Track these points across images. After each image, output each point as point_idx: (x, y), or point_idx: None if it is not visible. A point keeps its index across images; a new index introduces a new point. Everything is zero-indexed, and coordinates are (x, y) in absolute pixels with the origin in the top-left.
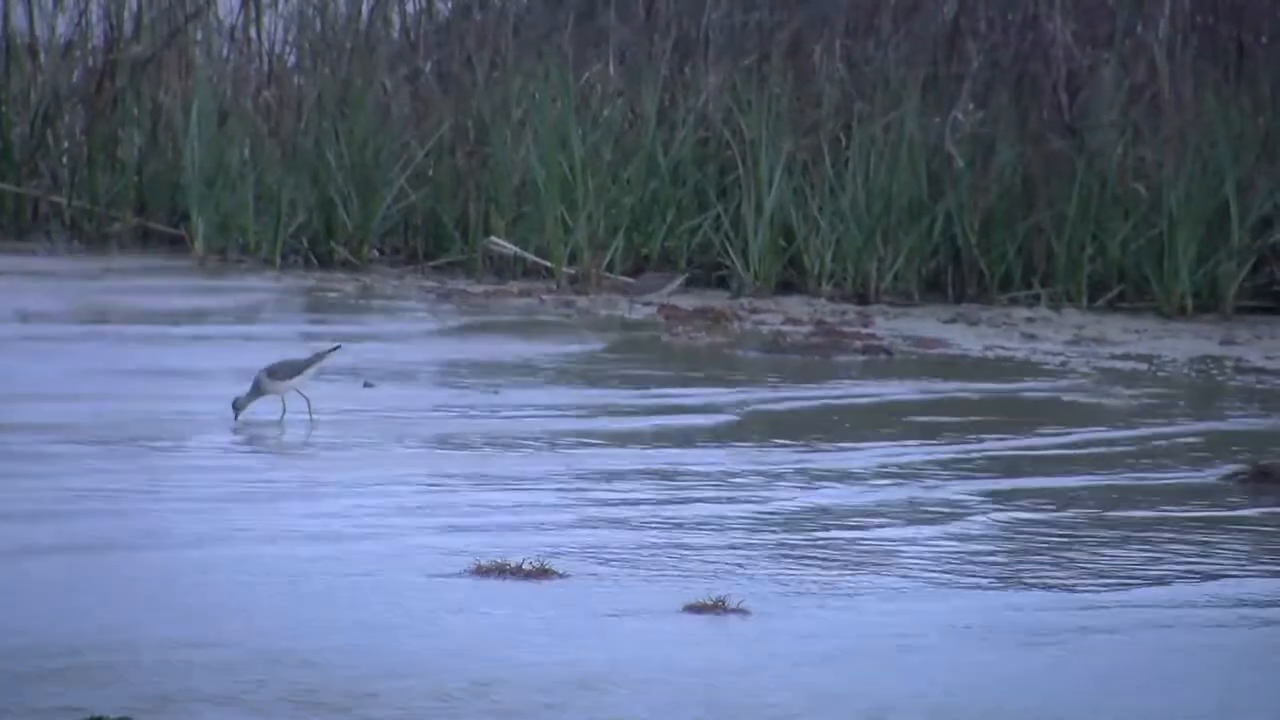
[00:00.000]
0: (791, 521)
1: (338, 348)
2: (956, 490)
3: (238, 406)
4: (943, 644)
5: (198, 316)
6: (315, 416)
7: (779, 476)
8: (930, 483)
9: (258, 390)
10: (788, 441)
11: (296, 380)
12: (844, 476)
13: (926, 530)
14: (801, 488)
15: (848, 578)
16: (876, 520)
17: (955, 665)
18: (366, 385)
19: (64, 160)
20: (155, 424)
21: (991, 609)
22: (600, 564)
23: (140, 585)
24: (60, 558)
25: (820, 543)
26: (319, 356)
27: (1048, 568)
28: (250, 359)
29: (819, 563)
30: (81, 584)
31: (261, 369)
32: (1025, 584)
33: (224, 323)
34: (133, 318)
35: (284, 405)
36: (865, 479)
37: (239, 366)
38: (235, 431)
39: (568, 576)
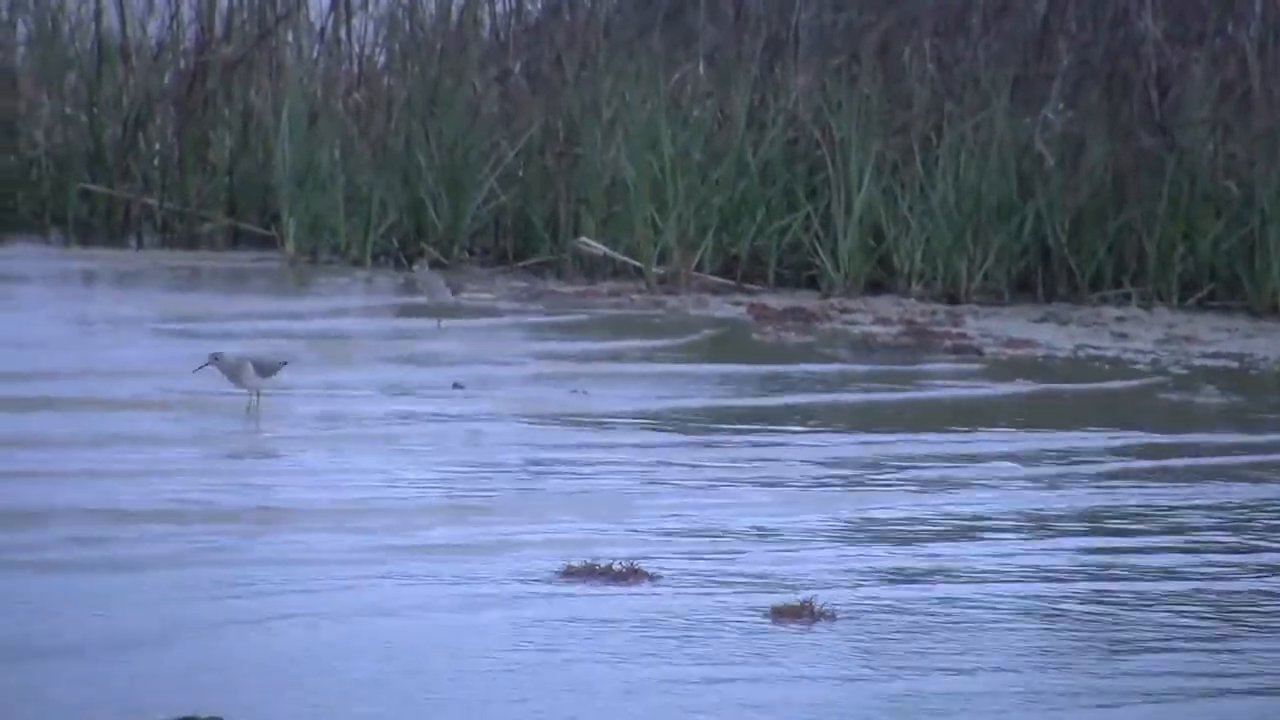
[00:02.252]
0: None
1: (286, 362)
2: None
3: (218, 362)
4: None
5: (293, 318)
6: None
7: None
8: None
9: (236, 374)
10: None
11: (270, 380)
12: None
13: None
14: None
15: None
16: (983, 525)
17: None
18: (456, 386)
19: (156, 162)
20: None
21: None
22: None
23: None
24: None
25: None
26: (280, 365)
27: None
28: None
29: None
30: None
31: (248, 358)
32: None
33: (313, 319)
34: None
35: (257, 398)
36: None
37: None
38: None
39: (658, 578)
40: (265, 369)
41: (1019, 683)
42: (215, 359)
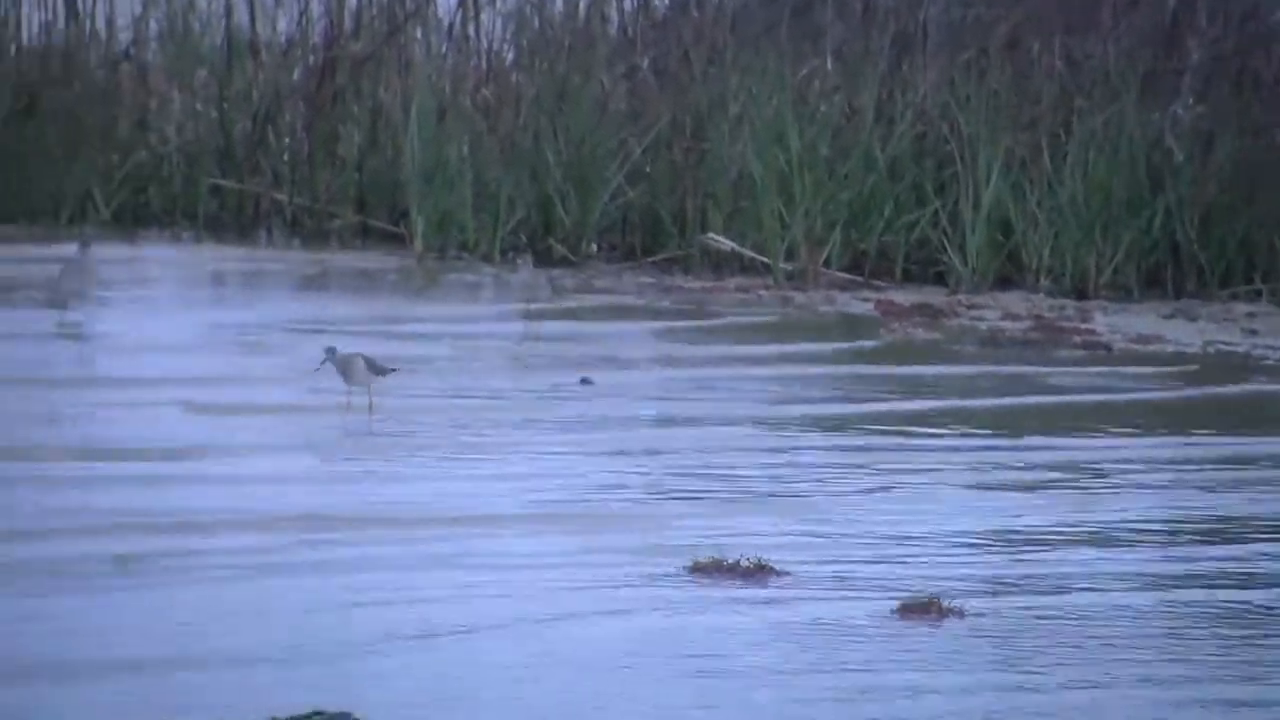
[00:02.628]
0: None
1: (396, 369)
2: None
3: (331, 357)
4: None
5: (420, 320)
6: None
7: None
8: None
9: (348, 369)
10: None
11: (378, 380)
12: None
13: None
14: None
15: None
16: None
17: None
18: (585, 381)
19: (285, 157)
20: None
21: None
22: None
23: None
24: None
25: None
26: (388, 370)
27: None
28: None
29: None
30: None
31: (361, 355)
32: None
33: (443, 321)
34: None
35: (370, 394)
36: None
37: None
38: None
39: (786, 575)
40: (377, 368)
41: (1151, 696)
42: (330, 354)
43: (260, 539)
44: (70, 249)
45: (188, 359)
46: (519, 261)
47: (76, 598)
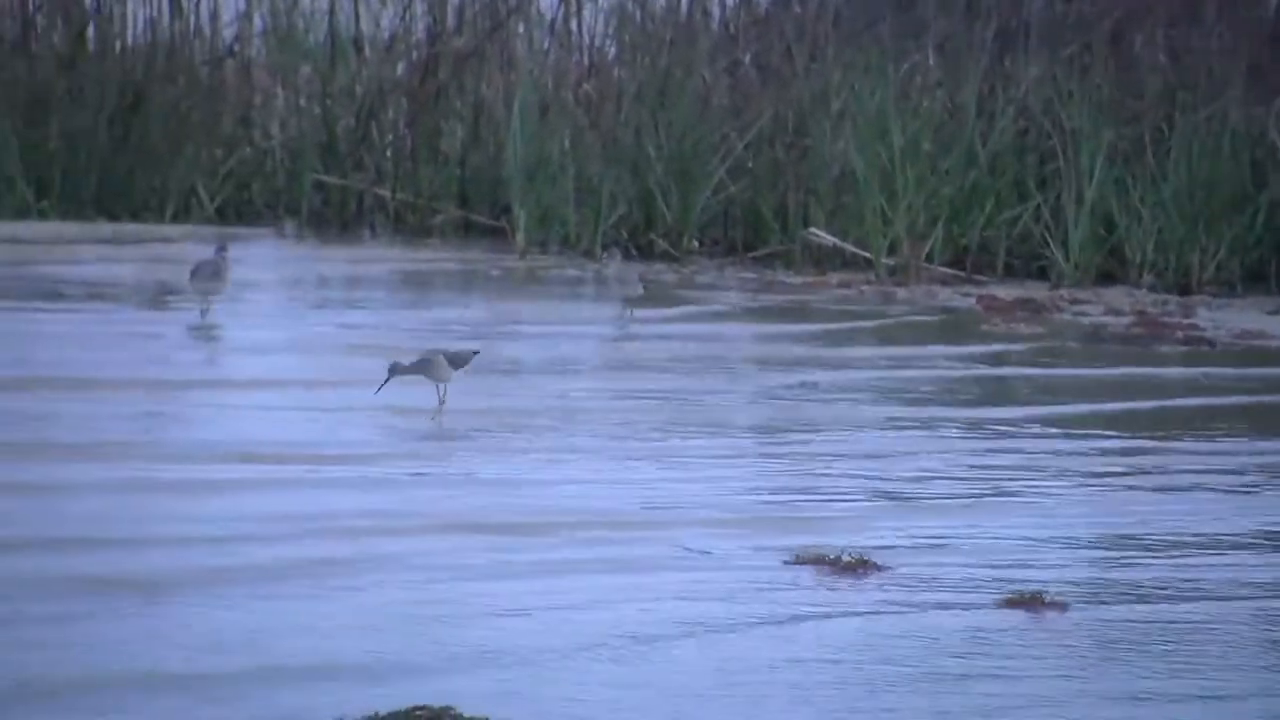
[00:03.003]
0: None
1: (477, 352)
2: None
3: (412, 365)
4: None
5: (517, 321)
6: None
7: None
8: None
9: (428, 369)
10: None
11: (458, 373)
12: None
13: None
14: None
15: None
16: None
17: None
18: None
19: (388, 153)
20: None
21: None
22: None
23: None
24: None
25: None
26: (468, 356)
27: None
28: (570, 349)
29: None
30: None
31: (439, 351)
32: None
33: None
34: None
35: (444, 393)
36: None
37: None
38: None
39: (887, 569)
40: (457, 360)
41: (1260, 708)
42: (394, 370)
43: (440, 543)
44: (198, 249)
45: (312, 360)
46: (605, 257)
47: (308, 602)
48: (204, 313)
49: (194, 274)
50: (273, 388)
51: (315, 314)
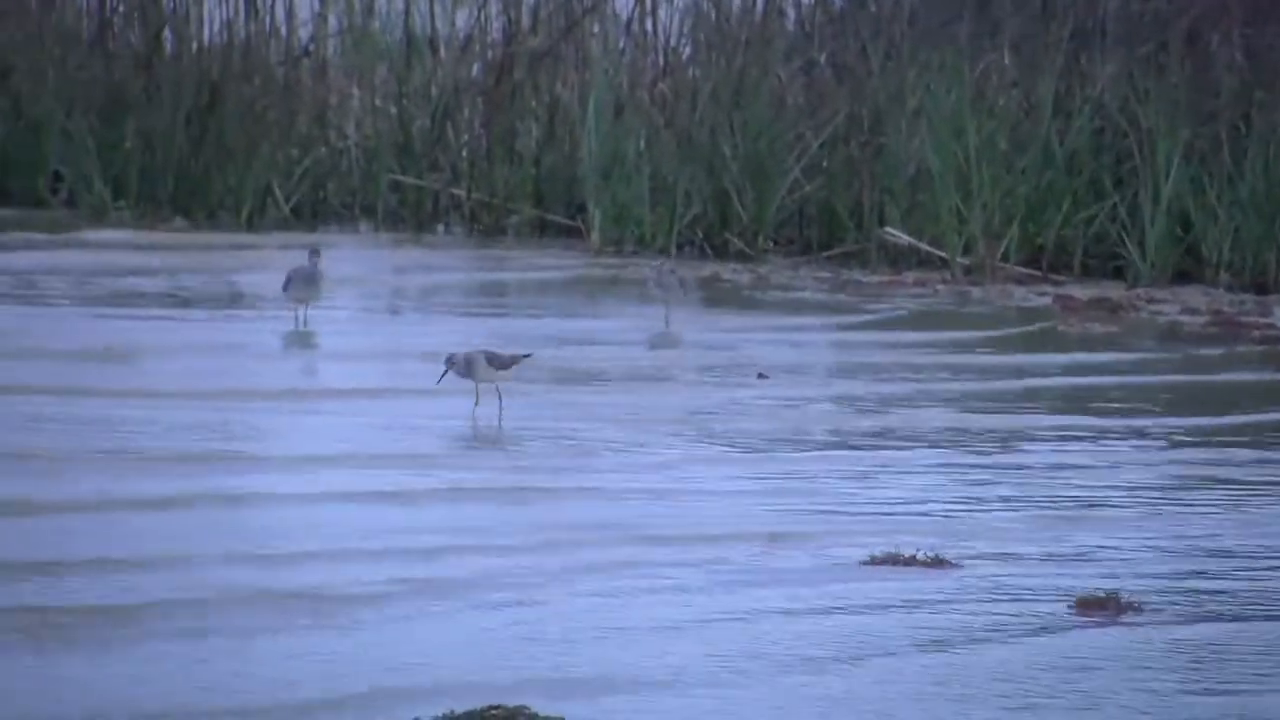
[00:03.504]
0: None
1: (529, 355)
2: None
3: (450, 363)
4: None
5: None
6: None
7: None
8: None
9: (471, 368)
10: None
11: (504, 374)
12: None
13: None
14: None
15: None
16: None
17: None
18: (761, 376)
19: (463, 153)
20: None
21: None
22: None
23: None
24: None
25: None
26: (517, 359)
27: None
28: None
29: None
30: None
31: (481, 352)
32: None
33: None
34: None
35: (480, 395)
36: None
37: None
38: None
39: (961, 567)
40: (500, 362)
41: None
42: (450, 362)
43: (559, 558)
44: (295, 256)
45: (398, 367)
46: (654, 264)
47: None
48: (299, 320)
49: (289, 281)
50: (364, 396)
51: (399, 320)
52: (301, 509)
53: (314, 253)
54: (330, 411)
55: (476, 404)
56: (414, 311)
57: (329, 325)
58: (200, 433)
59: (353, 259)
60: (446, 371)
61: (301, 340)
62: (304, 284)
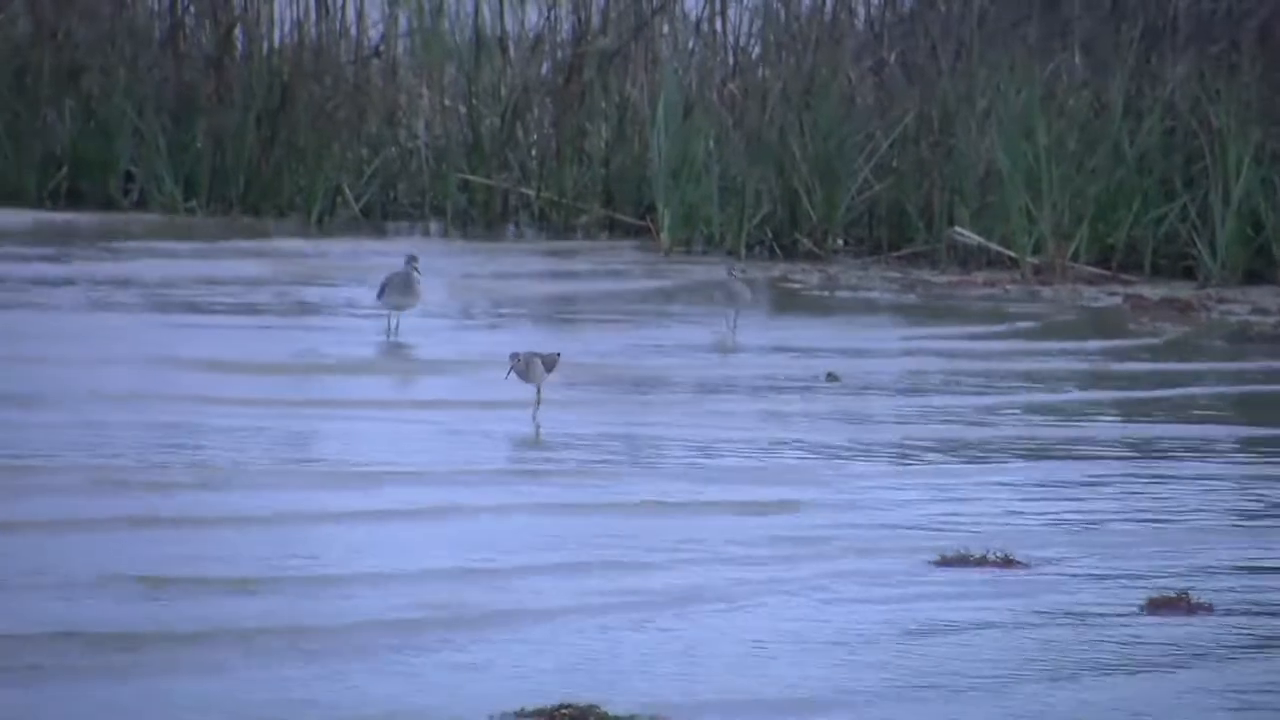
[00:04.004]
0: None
1: (559, 354)
2: None
3: (516, 362)
4: None
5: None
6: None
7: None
8: None
9: (529, 370)
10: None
11: (551, 376)
12: None
13: None
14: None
15: None
16: None
17: None
18: (831, 378)
19: (533, 153)
20: None
21: None
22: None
23: None
24: None
25: None
26: (556, 359)
27: None
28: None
29: None
30: None
31: (537, 355)
32: None
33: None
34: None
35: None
36: None
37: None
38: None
39: (1030, 566)
40: (550, 364)
41: None
42: (516, 359)
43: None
44: (390, 261)
45: (482, 377)
46: (728, 271)
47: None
48: (392, 328)
49: (385, 287)
50: (446, 408)
51: (478, 328)
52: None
53: (411, 259)
54: (407, 421)
55: (538, 405)
56: (491, 317)
57: (420, 333)
58: (271, 441)
59: (426, 264)
60: (512, 368)
61: (397, 350)
62: (400, 290)
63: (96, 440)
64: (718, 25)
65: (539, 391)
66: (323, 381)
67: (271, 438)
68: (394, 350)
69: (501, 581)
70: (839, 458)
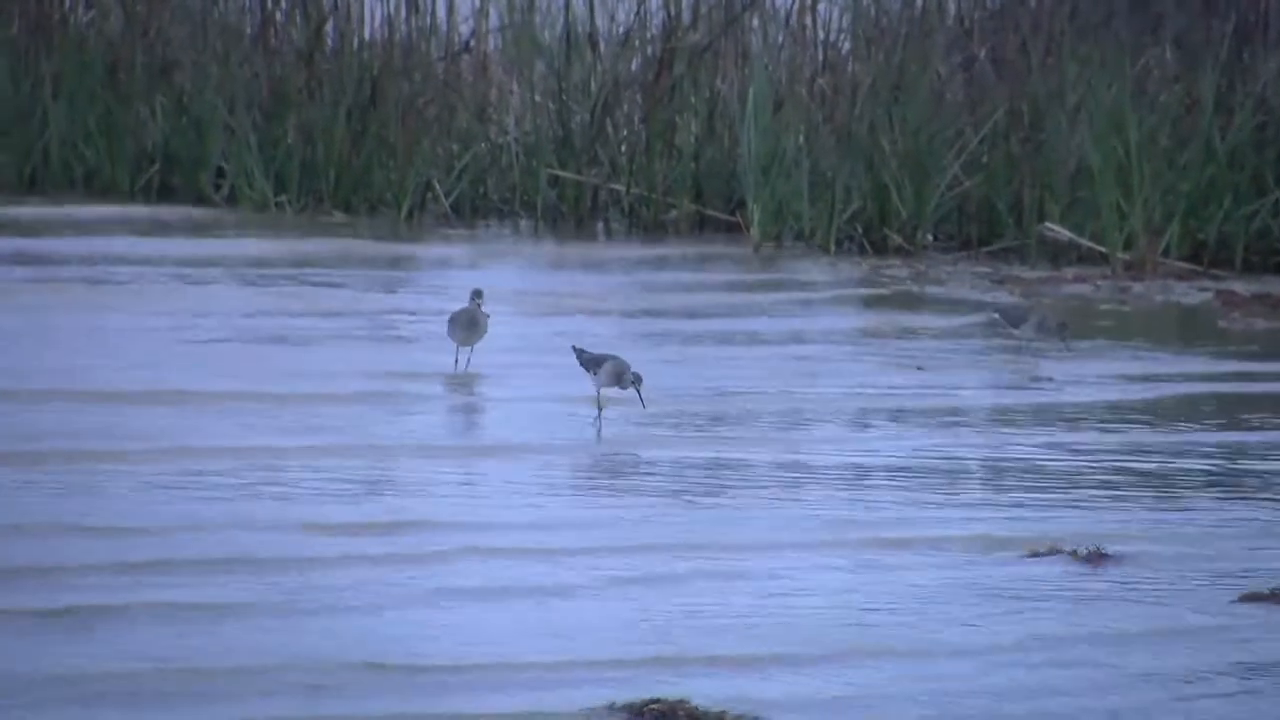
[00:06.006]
0: None
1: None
2: None
3: (599, 372)
4: None
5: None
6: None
7: None
8: None
9: (620, 377)
10: None
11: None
12: None
13: None
14: None
15: None
16: None
17: None
18: (919, 368)
19: (622, 148)
20: None
21: None
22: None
23: None
24: None
25: None
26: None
27: None
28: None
29: None
30: None
31: (616, 362)
32: None
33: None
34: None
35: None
36: None
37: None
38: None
39: (1123, 560)
40: (621, 378)
41: None
42: (597, 368)
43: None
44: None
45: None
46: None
47: None
48: (459, 363)
49: (452, 323)
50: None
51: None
52: None
53: (476, 294)
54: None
55: (601, 410)
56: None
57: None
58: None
59: (514, 269)
60: (633, 383)
61: (460, 384)
62: (466, 326)
63: None
64: (807, 20)
65: (600, 395)
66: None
67: None
68: (457, 384)
69: None
70: None
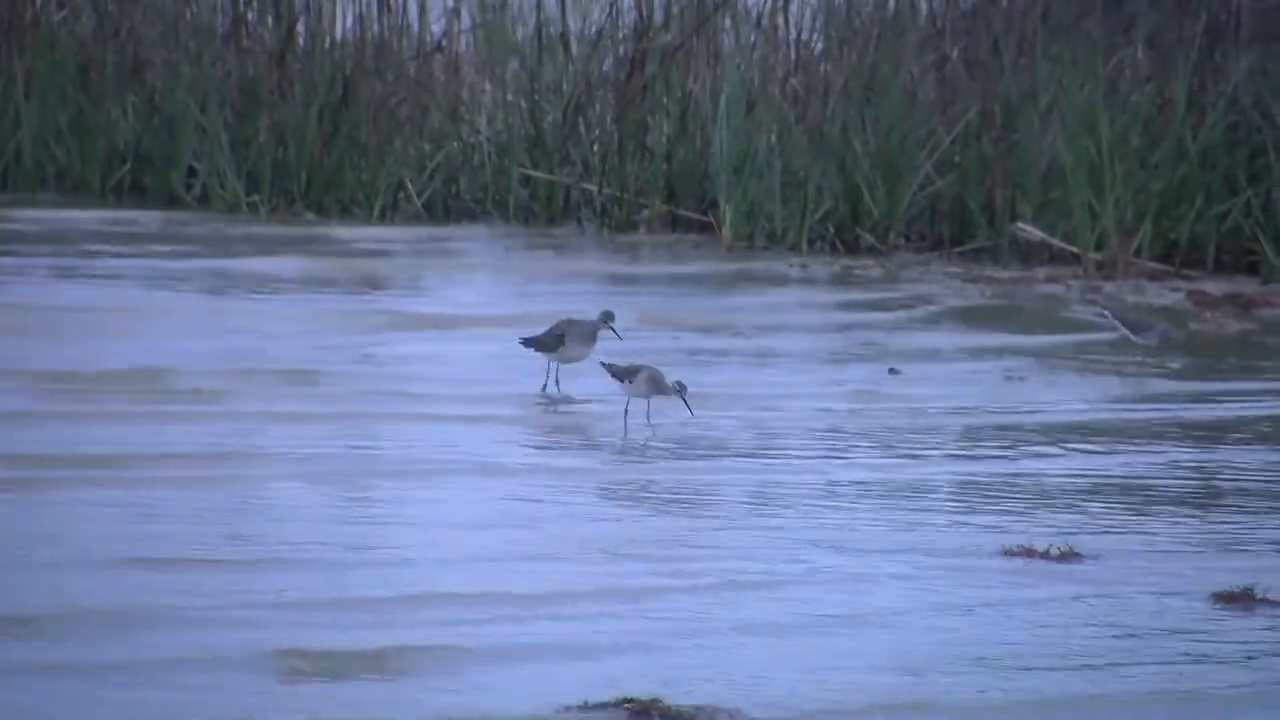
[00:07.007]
0: None
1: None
2: None
3: (631, 384)
4: None
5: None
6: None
7: None
8: None
9: (658, 385)
10: None
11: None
12: None
13: None
14: None
15: None
16: None
17: None
18: (892, 371)
19: (594, 148)
20: None
21: None
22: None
23: None
24: None
25: None
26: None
27: None
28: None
29: None
30: None
31: (654, 368)
32: None
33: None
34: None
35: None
36: None
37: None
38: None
39: (1098, 558)
40: (661, 385)
41: None
42: (629, 376)
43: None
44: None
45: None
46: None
47: None
48: (548, 384)
49: (564, 336)
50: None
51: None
52: None
53: (607, 316)
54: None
55: (628, 411)
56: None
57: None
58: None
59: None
60: (683, 392)
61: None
62: (582, 341)
63: None
64: (779, 20)
65: (642, 401)
66: None
67: None
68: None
69: None
70: None
